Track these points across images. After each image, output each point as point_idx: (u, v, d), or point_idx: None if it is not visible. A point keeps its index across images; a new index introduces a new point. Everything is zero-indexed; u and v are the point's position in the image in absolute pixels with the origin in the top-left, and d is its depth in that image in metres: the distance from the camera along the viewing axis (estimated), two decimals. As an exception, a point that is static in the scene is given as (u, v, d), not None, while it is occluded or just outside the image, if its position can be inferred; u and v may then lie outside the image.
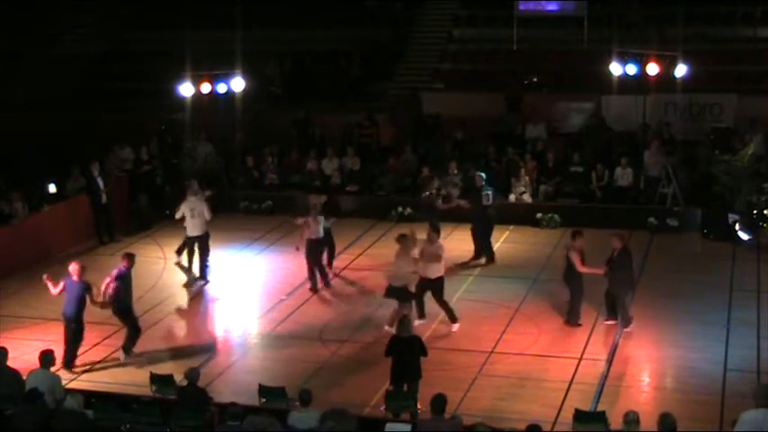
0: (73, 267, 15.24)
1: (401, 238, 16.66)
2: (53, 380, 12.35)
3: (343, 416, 10.55)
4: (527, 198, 22.94)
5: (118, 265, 15.54)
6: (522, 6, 28.52)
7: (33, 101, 28.77)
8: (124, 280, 15.32)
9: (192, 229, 19.04)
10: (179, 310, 18.08)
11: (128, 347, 15.48)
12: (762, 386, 11.84)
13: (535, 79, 27.61)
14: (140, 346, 15.70)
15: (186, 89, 23.09)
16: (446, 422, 11.20)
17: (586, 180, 23.14)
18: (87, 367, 15.22)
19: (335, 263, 19.70)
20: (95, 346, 15.82)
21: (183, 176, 23.18)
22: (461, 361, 15.24)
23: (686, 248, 21.03)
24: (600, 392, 14.05)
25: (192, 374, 12.56)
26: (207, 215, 19.00)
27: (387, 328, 15.94)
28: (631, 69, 23.00)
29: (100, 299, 15.30)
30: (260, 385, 13.09)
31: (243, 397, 12.74)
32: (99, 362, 15.47)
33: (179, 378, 13.31)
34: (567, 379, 14.52)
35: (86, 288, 15.15)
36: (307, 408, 11.47)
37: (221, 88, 23.77)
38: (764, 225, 20.39)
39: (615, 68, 23.46)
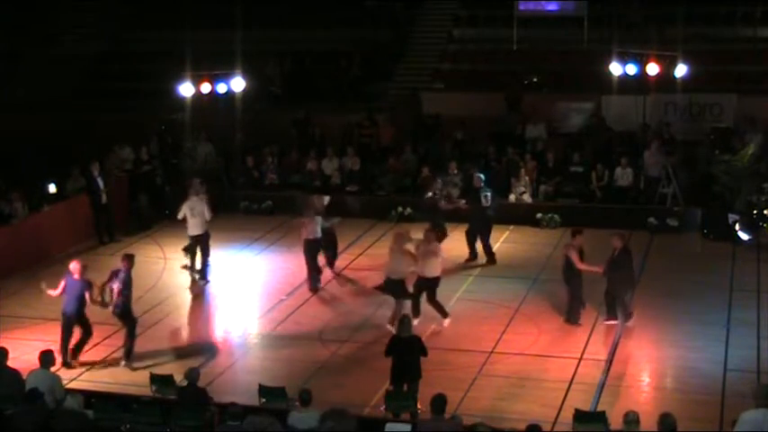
0: (74, 266, 15.26)
1: (396, 235, 16.78)
2: (53, 380, 12.34)
3: (344, 416, 10.55)
4: (527, 198, 22.94)
5: (117, 267, 15.52)
6: (522, 6, 28.52)
7: (33, 101, 28.77)
8: (127, 283, 15.31)
9: (192, 228, 19.03)
10: (179, 310, 18.08)
11: (128, 354, 15.43)
12: (762, 386, 11.83)
13: (535, 79, 27.61)
14: (140, 346, 15.68)
15: (186, 89, 23.09)
16: (446, 422, 11.20)
17: (586, 180, 23.14)
18: (87, 367, 15.23)
19: (336, 262, 19.69)
20: (95, 346, 15.82)
21: (183, 176, 23.20)
22: (461, 361, 15.24)
23: (686, 248, 21.03)
24: (600, 392, 14.06)
25: (192, 374, 12.55)
26: (207, 215, 19.00)
27: (389, 327, 15.94)
28: (631, 69, 23.00)
29: (99, 299, 15.29)
30: (260, 385, 13.09)
31: (243, 397, 12.74)
32: (99, 362, 15.49)
33: (179, 378, 13.31)
34: (567, 379, 14.52)
35: (87, 286, 15.17)
36: (307, 408, 11.47)
37: (221, 88, 23.77)
38: (764, 225, 20.39)
39: (615, 68, 23.46)
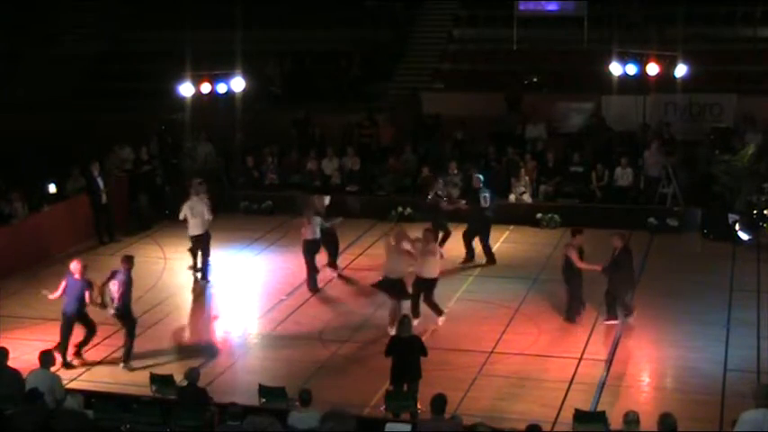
0: (75, 266, 15.27)
1: (394, 234, 16.79)
2: (53, 380, 12.34)
3: (344, 416, 10.54)
4: (527, 198, 22.94)
5: (117, 268, 15.51)
6: (522, 6, 28.52)
7: (33, 101, 28.77)
8: (127, 284, 15.30)
9: (192, 228, 19.03)
10: (179, 310, 18.08)
11: (127, 356, 15.41)
12: (762, 386, 11.84)
13: (535, 79, 27.61)
14: (140, 346, 15.67)
15: (186, 89, 23.09)
16: (446, 422, 11.20)
17: (586, 180, 23.14)
18: (87, 367, 15.24)
19: (336, 262, 19.68)
20: (95, 346, 15.80)
21: (183, 176, 23.20)
22: (461, 361, 15.24)
23: (686, 248, 21.03)
24: (600, 392, 14.06)
25: (192, 374, 12.55)
26: (207, 215, 19.00)
27: (390, 330, 15.80)
28: (631, 69, 23.00)
29: (99, 300, 15.29)
30: (260, 385, 13.09)
31: (243, 397, 12.75)
32: (99, 362, 15.48)
33: (179, 378, 13.31)
34: (567, 379, 14.52)
35: (88, 286, 15.18)
36: (307, 408, 11.47)
37: (221, 88, 23.76)
38: (764, 225, 20.40)
39: (615, 68, 23.46)
